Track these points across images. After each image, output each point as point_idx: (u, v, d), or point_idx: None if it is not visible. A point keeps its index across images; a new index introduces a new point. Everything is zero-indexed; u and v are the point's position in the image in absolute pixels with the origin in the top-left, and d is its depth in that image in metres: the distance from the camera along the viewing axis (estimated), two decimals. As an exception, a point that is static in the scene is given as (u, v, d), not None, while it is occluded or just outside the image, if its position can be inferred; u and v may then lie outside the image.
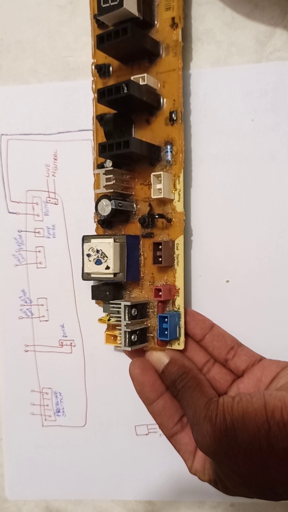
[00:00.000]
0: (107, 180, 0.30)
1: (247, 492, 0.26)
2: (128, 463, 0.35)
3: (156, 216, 0.30)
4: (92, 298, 0.32)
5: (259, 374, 0.29)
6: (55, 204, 0.35)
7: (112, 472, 0.35)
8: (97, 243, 0.30)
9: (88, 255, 0.30)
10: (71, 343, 0.36)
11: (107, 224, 0.32)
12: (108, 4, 0.27)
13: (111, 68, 0.32)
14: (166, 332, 0.29)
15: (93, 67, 0.32)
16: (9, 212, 0.36)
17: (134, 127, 0.31)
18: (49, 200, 0.35)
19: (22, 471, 0.37)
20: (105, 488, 0.36)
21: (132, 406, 0.34)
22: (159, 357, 0.30)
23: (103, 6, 0.28)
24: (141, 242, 0.31)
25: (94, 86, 0.32)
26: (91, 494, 0.36)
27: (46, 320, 0.36)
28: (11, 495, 0.37)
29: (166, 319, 0.29)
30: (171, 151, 0.30)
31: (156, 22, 0.30)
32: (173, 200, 0.30)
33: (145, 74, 0.29)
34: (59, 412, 0.36)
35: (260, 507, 0.34)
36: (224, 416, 0.24)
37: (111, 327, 0.31)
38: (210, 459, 0.27)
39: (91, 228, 0.33)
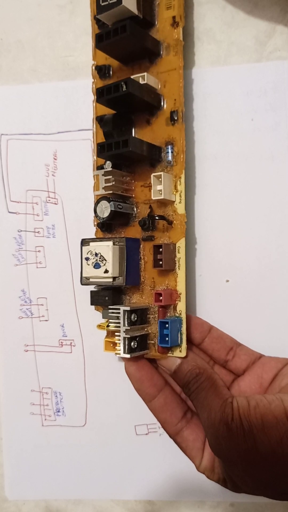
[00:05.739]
0: (106, 181, 0.29)
1: (260, 494, 0.25)
2: (128, 463, 0.35)
3: (157, 218, 0.29)
4: (91, 304, 0.30)
5: (260, 371, 0.29)
6: (55, 204, 0.35)
7: (112, 472, 0.35)
8: (96, 246, 0.29)
9: (87, 259, 0.29)
10: (71, 343, 0.36)
11: (106, 227, 0.31)
12: (107, 2, 0.27)
13: (111, 69, 0.31)
14: (167, 339, 0.28)
15: (93, 68, 0.32)
16: (9, 212, 0.36)
17: (134, 127, 0.31)
18: (49, 200, 0.35)
19: (22, 471, 0.37)
20: (105, 488, 0.36)
21: (132, 406, 0.34)
22: (171, 358, 0.29)
23: (102, 4, 0.27)
24: (141, 245, 0.30)
25: (94, 88, 0.32)
26: (91, 494, 0.36)
27: (46, 320, 0.36)
28: (11, 495, 0.37)
29: (167, 325, 0.28)
30: (171, 152, 0.29)
31: (156, 22, 0.30)
32: (174, 202, 0.29)
33: (145, 73, 0.29)
34: (59, 412, 0.36)
35: (261, 507, 0.34)
36: (241, 420, 0.24)
37: (111, 334, 0.30)
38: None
39: (91, 227, 0.33)
